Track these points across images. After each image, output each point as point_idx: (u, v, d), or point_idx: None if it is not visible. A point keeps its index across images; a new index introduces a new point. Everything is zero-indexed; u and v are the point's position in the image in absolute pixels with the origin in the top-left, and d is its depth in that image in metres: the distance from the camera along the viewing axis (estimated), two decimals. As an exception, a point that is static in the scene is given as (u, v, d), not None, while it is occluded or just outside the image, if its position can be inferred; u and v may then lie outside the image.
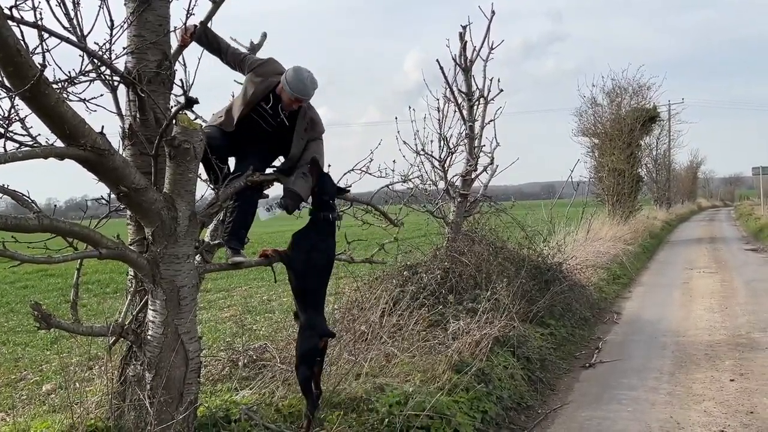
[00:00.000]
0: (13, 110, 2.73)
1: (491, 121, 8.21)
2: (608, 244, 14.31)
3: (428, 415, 4.07)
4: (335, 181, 4.10)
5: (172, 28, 3.67)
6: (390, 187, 5.42)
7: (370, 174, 4.80)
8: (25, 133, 2.86)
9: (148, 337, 3.38)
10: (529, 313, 6.96)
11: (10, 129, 2.75)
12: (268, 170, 4.08)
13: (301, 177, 3.91)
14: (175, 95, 3.70)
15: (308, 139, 4.02)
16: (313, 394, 3.82)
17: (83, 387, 4.27)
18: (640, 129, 20.91)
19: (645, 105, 21.90)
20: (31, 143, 2.82)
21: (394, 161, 5.33)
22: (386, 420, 3.96)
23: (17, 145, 2.79)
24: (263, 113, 3.92)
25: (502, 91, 8.13)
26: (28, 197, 2.88)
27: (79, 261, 3.56)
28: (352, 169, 4.64)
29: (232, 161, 4.03)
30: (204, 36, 3.84)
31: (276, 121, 3.93)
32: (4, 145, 2.73)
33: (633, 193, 21.01)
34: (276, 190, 4.26)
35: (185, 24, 3.67)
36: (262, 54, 4.26)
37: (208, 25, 3.82)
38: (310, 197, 3.97)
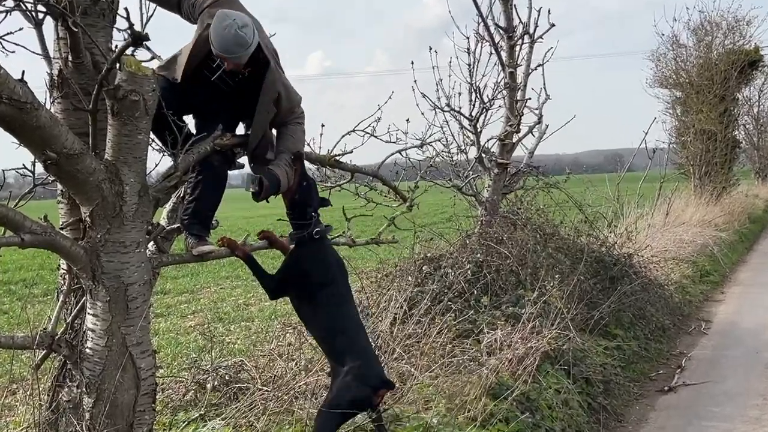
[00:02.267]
0: None
1: (539, 66, 8.16)
2: (694, 230, 14.27)
3: (456, 454, 4.07)
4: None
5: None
6: (403, 153, 5.38)
7: (376, 137, 4.77)
8: None
9: (87, 350, 3.39)
10: (590, 321, 6.96)
11: None
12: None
13: (284, 163, 3.83)
14: (119, 29, 3.67)
15: (282, 120, 3.92)
16: None
17: (4, 416, 4.30)
18: (737, 78, 20.65)
19: (744, 45, 21.61)
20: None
21: (408, 120, 5.24)
22: (401, 459, 3.97)
23: None
24: (215, 70, 3.72)
25: (553, 26, 8.04)
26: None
27: (-5, 251, 3.56)
28: (353, 130, 4.60)
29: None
30: None
31: (236, 82, 3.82)
32: None
33: (727, 163, 20.85)
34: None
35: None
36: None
37: None
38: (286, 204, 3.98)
